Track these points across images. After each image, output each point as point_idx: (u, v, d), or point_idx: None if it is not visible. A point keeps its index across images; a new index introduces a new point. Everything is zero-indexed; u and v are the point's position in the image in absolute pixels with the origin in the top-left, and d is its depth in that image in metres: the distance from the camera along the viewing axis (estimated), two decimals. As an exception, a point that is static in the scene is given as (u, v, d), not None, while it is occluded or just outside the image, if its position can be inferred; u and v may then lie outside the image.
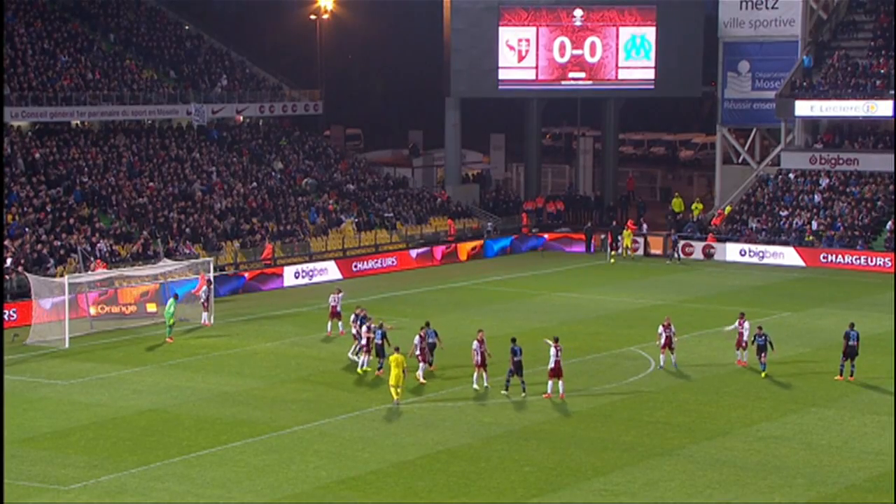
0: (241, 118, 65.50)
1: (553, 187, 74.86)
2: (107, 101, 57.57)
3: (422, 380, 33.90)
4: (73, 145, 55.90)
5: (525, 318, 43.48)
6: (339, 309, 39.85)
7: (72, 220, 49.64)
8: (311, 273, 52.92)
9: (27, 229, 47.79)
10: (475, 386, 32.85)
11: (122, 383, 34.42)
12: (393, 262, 56.34)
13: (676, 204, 64.52)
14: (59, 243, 47.50)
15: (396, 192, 65.08)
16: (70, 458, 27.30)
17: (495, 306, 46.57)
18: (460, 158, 68.99)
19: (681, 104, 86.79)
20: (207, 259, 45.86)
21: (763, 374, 34.82)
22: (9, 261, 44.69)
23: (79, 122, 57.85)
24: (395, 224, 60.77)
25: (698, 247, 58.96)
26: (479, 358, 32.86)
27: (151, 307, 43.85)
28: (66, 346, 38.98)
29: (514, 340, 33.16)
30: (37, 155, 53.80)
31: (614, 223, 60.77)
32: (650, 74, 65.29)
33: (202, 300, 42.45)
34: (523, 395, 32.60)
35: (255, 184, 59.78)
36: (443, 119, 67.25)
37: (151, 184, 55.75)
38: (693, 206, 63.75)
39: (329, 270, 53.71)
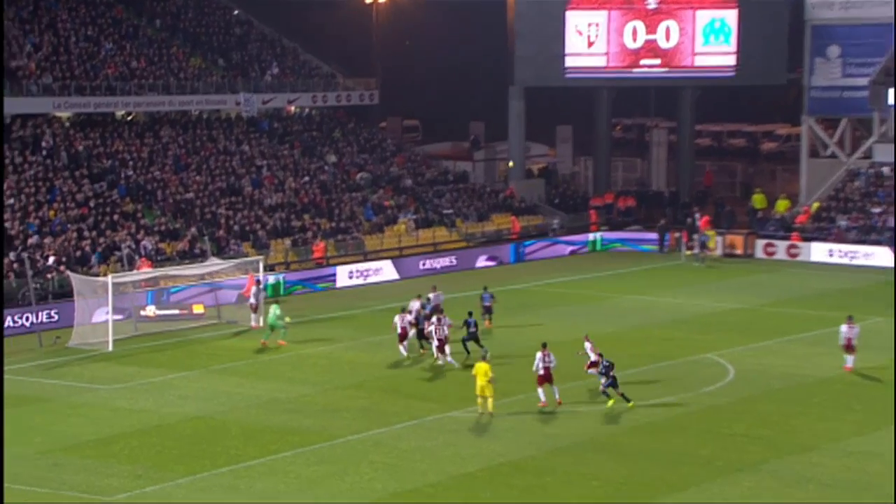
0: (293, 109, 66.00)
1: (624, 182, 74.41)
2: (152, 91, 58.36)
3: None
4: (117, 137, 56.74)
5: (593, 322, 43.30)
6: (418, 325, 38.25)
7: (116, 217, 50.36)
8: (365, 273, 53.16)
9: (69, 226, 48.59)
10: (541, 403, 32.39)
11: (167, 389, 34.85)
12: (452, 261, 56.42)
13: (758, 200, 63.78)
14: (102, 240, 48.22)
15: (456, 187, 65.15)
16: (114, 467, 27.66)
17: (561, 309, 46.41)
18: (524, 151, 68.88)
19: (763, 92, 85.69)
20: (256, 258, 46.25)
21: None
22: (51, 259, 45.49)
23: (123, 112, 58.70)
24: (455, 221, 60.84)
25: (781, 246, 58.28)
26: (543, 371, 32.34)
27: (198, 309, 44.33)
28: (110, 348, 39.51)
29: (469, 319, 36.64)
30: (79, 147, 54.70)
31: (689, 221, 60.29)
32: (730, 60, 64.60)
33: (251, 301, 42.82)
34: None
35: (306, 178, 60.21)
36: (506, 109, 67.17)
37: (198, 178, 56.38)
38: (777, 203, 62.97)
39: (384, 270, 53.91)
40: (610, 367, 32.37)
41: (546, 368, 31.91)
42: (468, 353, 37.34)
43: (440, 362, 36.68)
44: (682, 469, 27.74)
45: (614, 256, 59.32)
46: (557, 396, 32.18)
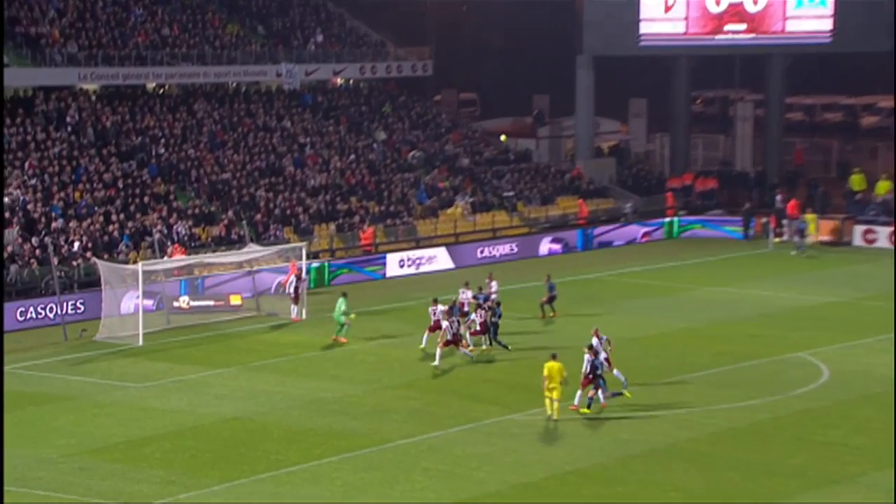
0: (339, 81, 66.19)
1: (704, 161, 73.78)
2: (186, 62, 58.78)
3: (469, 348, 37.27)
4: (147, 112, 57.25)
5: (669, 316, 43.01)
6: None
7: (146, 199, 50.84)
8: (417, 261, 53.24)
9: (96, 208, 49.12)
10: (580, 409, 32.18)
11: (202, 387, 35.08)
12: (513, 248, 56.36)
13: (856, 181, 62.91)
14: (131, 225, 48.71)
15: (518, 167, 65.02)
16: (144, 472, 27.90)
17: (633, 302, 46.18)
18: (594, 128, 68.57)
19: (863, 61, 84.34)
20: (299, 244, 46.46)
21: None
22: (76, 245, 46.02)
23: (154, 85, 59.20)
24: (516, 205, 60.73)
25: (883, 232, 57.51)
26: (588, 368, 31.84)
27: (235, 300, 44.66)
28: (140, 343, 39.85)
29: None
30: (107, 123, 55.24)
31: (778, 204, 59.70)
32: (826, 25, 63.74)
33: (289, 292, 42.97)
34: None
35: (353, 157, 60.36)
36: (573, 81, 66.85)
37: (235, 157, 56.73)
38: (878, 184, 62.08)
39: (439, 258, 53.93)
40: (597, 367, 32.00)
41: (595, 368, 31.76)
42: (491, 344, 38.03)
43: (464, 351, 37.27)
44: (769, 480, 27.49)
45: (693, 244, 58.87)
46: (603, 400, 31.86)
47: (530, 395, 33.63)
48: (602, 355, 32.60)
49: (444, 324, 36.99)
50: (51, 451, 29.33)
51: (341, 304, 39.53)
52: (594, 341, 33.09)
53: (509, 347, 38.10)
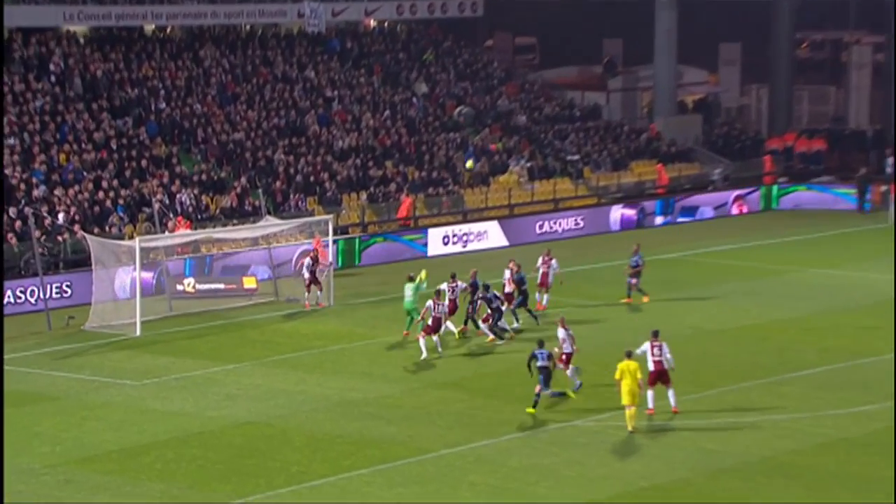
0: (372, 22, 66.18)
1: (811, 118, 73.36)
2: (191, 0, 58.99)
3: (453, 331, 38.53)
4: (145, 60, 57.49)
5: (766, 304, 42.70)
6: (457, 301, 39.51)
7: (144, 163, 51.10)
8: (465, 237, 53.34)
9: (85, 174, 49.43)
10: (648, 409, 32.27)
11: (210, 385, 35.23)
12: (578, 222, 56.25)
13: None
14: (126, 193, 48.99)
15: (585, 125, 64.83)
16: (143, 485, 28.01)
17: (724, 287, 45.93)
18: (676, 78, 68.24)
19: None
20: (324, 217, 46.58)
21: None
22: (61, 216, 46.35)
23: (153, 27, 59.43)
24: (583, 171, 60.56)
25: None
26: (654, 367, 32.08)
27: (249, 282, 44.89)
28: (138, 333, 40.04)
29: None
30: (98, 72, 55.54)
31: (888, 168, 59.33)
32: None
33: (304, 274, 42.80)
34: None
35: (388, 114, 60.39)
36: (651, 23, 66.52)
37: (250, 113, 56.91)
38: None
39: (490, 234, 54.02)
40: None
41: (658, 363, 31.84)
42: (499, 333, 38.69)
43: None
44: (887, 500, 27.31)
45: (795, 217, 58.60)
46: (673, 403, 31.95)
47: (598, 397, 33.62)
48: (566, 349, 33.61)
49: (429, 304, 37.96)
50: (33, 460, 29.56)
51: (409, 291, 39.14)
52: (560, 332, 33.86)
53: (504, 337, 38.54)
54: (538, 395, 32.60)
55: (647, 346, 32.06)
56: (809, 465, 29.32)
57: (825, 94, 76.20)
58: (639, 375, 30.99)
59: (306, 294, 42.99)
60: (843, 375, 35.72)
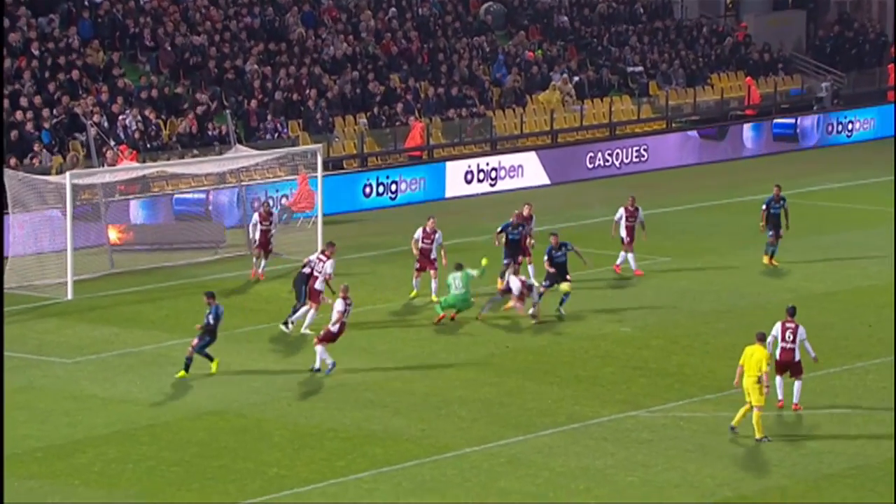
0: None
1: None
2: None
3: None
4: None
5: (888, 261, 42.68)
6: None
7: (76, 74, 50.92)
8: (493, 173, 53.34)
9: None
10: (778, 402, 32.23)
11: (164, 364, 35.16)
12: (641, 153, 56.04)
13: None
14: (54, 114, 48.85)
15: (651, 26, 64.60)
16: (76, 492, 27.91)
17: (834, 238, 45.92)
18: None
19: None
20: (312, 147, 46.51)
21: None
22: (-29, 144, 46.35)
23: None
24: (649, 86, 60.38)
25: None
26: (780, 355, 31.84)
27: (215, 230, 44.83)
28: (69, 296, 40.03)
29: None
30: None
31: None
32: None
33: (253, 237, 42.14)
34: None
35: (394, 11, 60.15)
36: None
37: (214, 10, 56.69)
38: None
39: (526, 169, 54.08)
40: None
41: (788, 351, 31.67)
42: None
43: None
44: None
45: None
46: (796, 398, 31.91)
47: (668, 382, 33.84)
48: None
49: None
50: (-68, 460, 29.58)
51: (456, 281, 38.35)
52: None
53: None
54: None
55: (777, 327, 31.80)
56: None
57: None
58: (764, 367, 30.53)
59: (254, 259, 42.41)
60: None
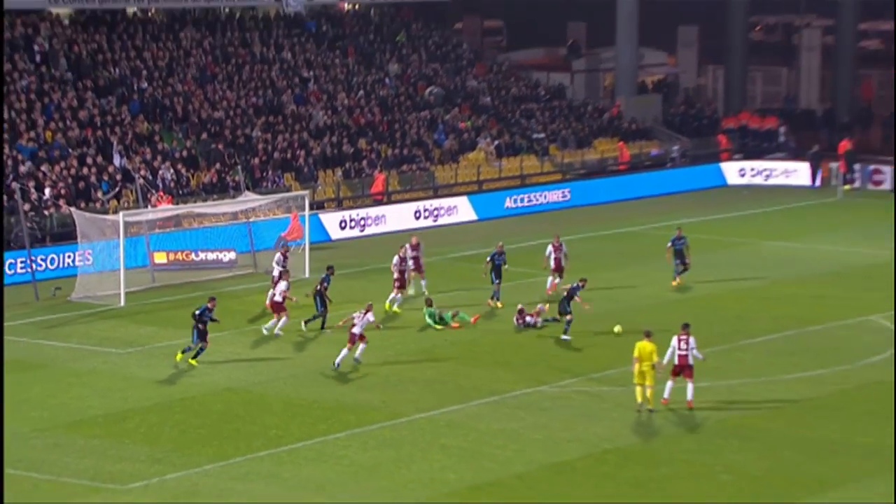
0: (347, 6, 65.95)
1: (764, 98, 73.51)
2: (172, -17, 58.71)
3: (395, 309, 38.84)
4: (128, 41, 57.17)
5: (723, 275, 42.93)
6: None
7: (128, 140, 50.89)
8: (436, 212, 53.35)
9: (70, 150, 49.21)
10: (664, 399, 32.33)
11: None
12: (543, 198, 56.39)
13: (939, 120, 62.69)
14: (112, 169, 48.79)
15: (550, 105, 64.77)
16: (128, 448, 28.05)
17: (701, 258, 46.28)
18: (637, 60, 68.25)
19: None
20: (301, 193, 46.50)
21: None
22: (47, 191, 46.16)
23: (136, 10, 59.11)
24: (548, 148, 60.55)
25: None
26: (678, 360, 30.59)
27: (229, 255, 44.76)
28: (122, 303, 40.02)
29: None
30: (82, 52, 55.22)
31: (849, 147, 59.48)
32: (905, -61, 63.25)
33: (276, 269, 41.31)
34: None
35: (362, 93, 60.23)
36: (613, 7, 66.51)
37: (229, 92, 56.69)
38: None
39: (460, 209, 54.03)
40: None
41: (681, 357, 30.31)
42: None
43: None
44: (837, 461, 27.53)
45: (751, 192, 58.63)
46: (690, 396, 30.39)
47: (563, 363, 33.82)
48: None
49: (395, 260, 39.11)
50: (22, 425, 29.52)
51: (427, 318, 37.61)
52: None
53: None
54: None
55: (674, 339, 30.31)
56: (762, 427, 29.51)
57: (777, 75, 76.38)
58: (655, 358, 29.96)
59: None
60: (796, 342, 35.96)
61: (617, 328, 36.68)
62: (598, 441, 28.54)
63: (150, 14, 59.71)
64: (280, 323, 36.80)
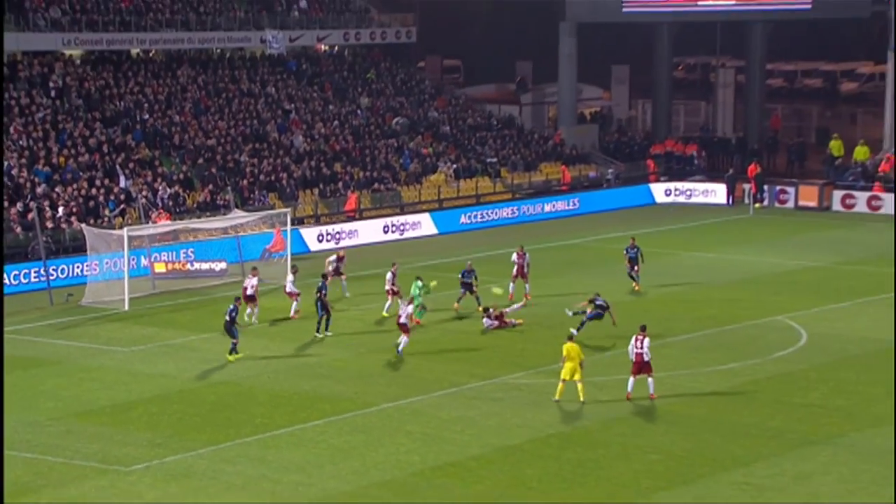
0: (323, 47, 65.83)
1: (686, 128, 73.81)
2: (170, 27, 58.39)
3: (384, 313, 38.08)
4: (132, 78, 56.87)
5: (651, 281, 43.06)
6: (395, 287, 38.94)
7: (131, 165, 50.61)
8: (402, 227, 53.21)
9: (81, 174, 48.89)
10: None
11: (188, 351, 35.08)
12: (495, 214, 56.39)
13: (835, 147, 63.10)
14: (117, 190, 48.50)
15: (501, 133, 64.88)
16: (131, 434, 27.94)
17: (615, 266, 46.31)
18: (576, 94, 68.41)
19: (843, 27, 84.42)
20: (283, 210, 46.32)
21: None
22: (61, 210, 45.84)
23: (139, 50, 58.79)
24: (500, 171, 60.63)
25: (862, 198, 57.70)
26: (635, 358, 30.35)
27: (221, 264, 44.55)
28: (126, 307, 39.79)
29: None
30: (92, 88, 54.90)
31: (758, 170, 59.79)
32: (806, -8, 63.69)
33: (292, 288, 39.70)
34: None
35: (337, 123, 60.13)
36: (556, 48, 66.63)
37: (220, 122, 56.48)
38: (856, 150, 62.23)
39: (423, 224, 53.95)
40: None
41: (640, 355, 30.02)
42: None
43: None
44: (749, 442, 27.65)
45: (675, 210, 58.93)
46: (651, 390, 30.16)
47: (514, 359, 33.82)
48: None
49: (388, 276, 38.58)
50: (38, 414, 29.32)
51: (415, 288, 37.17)
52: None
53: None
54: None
55: (633, 340, 30.10)
56: (686, 413, 29.64)
57: (697, 108, 76.69)
58: (582, 356, 29.90)
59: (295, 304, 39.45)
60: (713, 339, 36.10)
61: (496, 289, 37.73)
62: (543, 426, 28.59)
63: (151, 54, 59.42)
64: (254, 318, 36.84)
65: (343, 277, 41.29)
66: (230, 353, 33.89)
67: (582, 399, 29.98)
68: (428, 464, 26.38)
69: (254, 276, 38.33)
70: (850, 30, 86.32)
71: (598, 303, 35.53)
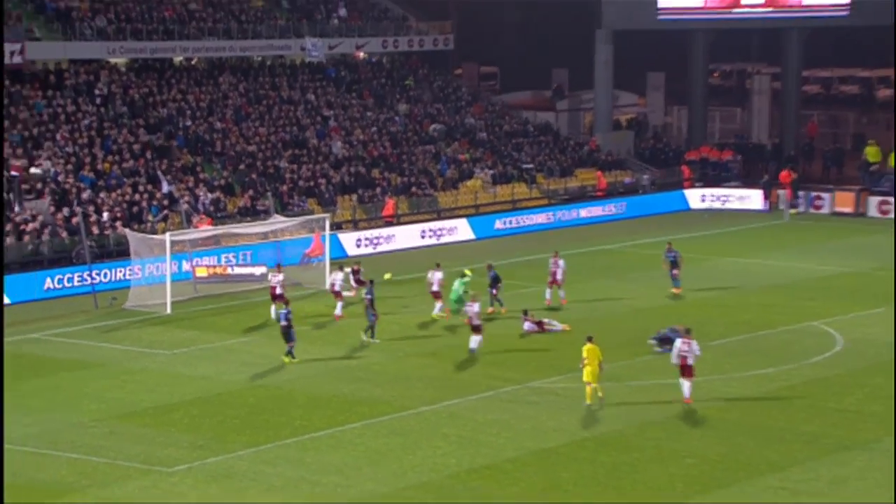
0: (362, 55, 66.02)
1: (721, 134, 73.47)
2: (212, 36, 58.75)
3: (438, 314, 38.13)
4: (174, 85, 57.28)
5: (686, 286, 42.81)
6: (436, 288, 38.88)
7: (174, 170, 50.92)
8: (438, 232, 53.23)
9: (125, 180, 49.26)
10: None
11: (229, 354, 35.20)
12: (531, 220, 56.30)
13: (871, 153, 62.63)
14: (160, 195, 48.83)
15: (537, 139, 64.83)
16: (173, 436, 28.11)
17: (651, 273, 46.12)
18: (612, 101, 68.26)
19: (881, 33, 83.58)
20: (322, 215, 46.44)
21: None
22: (105, 215, 46.19)
23: (181, 58, 59.20)
24: (536, 177, 60.59)
25: (898, 204, 57.26)
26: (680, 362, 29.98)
27: (261, 269, 44.76)
28: (168, 311, 39.98)
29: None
30: (136, 95, 55.32)
31: (795, 176, 59.43)
32: (844, -2, 63.30)
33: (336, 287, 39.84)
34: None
35: (375, 129, 60.27)
36: (592, 55, 66.53)
37: (261, 129, 56.74)
38: (892, 156, 61.74)
39: (459, 229, 53.92)
40: None
41: (685, 359, 29.73)
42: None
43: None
44: (784, 446, 27.48)
45: (710, 216, 58.63)
46: (687, 394, 29.86)
47: (549, 363, 33.76)
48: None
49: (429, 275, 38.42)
50: (82, 415, 29.55)
51: (459, 286, 37.38)
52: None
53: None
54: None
55: (678, 341, 29.87)
56: (721, 418, 29.50)
57: (732, 115, 76.36)
58: (600, 357, 29.83)
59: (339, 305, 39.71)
60: (748, 344, 35.94)
61: (387, 275, 38.58)
62: (578, 430, 28.55)
63: (193, 62, 59.85)
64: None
65: (365, 287, 40.32)
66: (286, 356, 33.91)
67: (588, 402, 29.89)
68: (464, 466, 26.38)
69: (279, 272, 38.30)
70: (886, 36, 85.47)
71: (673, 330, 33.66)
